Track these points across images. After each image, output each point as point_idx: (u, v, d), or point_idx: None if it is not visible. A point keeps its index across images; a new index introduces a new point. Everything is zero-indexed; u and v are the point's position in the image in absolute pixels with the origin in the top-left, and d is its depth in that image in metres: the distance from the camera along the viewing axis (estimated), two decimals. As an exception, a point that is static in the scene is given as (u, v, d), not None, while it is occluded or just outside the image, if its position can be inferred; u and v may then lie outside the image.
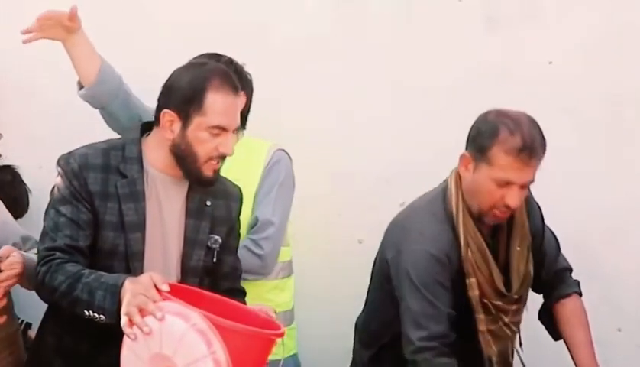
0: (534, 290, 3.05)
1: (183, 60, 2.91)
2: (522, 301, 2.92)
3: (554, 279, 3.02)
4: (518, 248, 2.89)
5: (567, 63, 3.59)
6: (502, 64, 3.60)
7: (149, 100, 3.40)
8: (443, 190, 2.89)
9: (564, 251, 3.08)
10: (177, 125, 2.60)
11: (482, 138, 2.75)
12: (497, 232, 2.88)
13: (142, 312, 2.27)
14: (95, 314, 2.45)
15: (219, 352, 2.19)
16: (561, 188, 3.53)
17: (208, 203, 2.72)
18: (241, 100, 2.79)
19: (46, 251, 2.59)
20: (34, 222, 3.35)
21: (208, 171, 2.63)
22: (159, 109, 2.65)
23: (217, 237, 2.73)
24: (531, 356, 3.06)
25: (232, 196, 2.81)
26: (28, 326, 3.15)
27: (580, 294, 3.03)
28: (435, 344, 2.74)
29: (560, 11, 3.59)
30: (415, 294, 2.77)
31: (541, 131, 2.76)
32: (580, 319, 2.98)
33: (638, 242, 3.63)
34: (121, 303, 2.35)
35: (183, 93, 2.59)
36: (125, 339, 2.29)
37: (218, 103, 2.58)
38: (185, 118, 2.59)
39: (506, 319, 2.88)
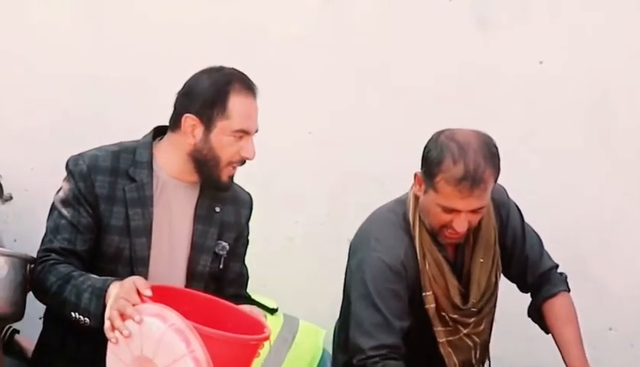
0: (521, 291, 3.05)
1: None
2: (482, 313, 2.92)
3: (539, 280, 3.01)
4: (482, 260, 2.88)
5: (558, 62, 3.59)
6: (493, 64, 3.59)
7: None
8: (403, 201, 2.90)
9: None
10: (199, 130, 2.62)
11: (429, 163, 2.73)
12: (462, 244, 2.88)
13: (123, 316, 2.28)
14: (81, 317, 2.47)
15: (198, 351, 2.19)
16: (553, 188, 3.53)
17: (217, 209, 2.74)
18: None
19: (43, 252, 2.63)
20: (26, 223, 3.39)
21: (225, 177, 2.65)
22: (177, 114, 2.66)
23: (224, 243, 2.75)
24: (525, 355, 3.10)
25: (242, 202, 2.83)
26: (16, 331, 3.16)
27: (568, 290, 3.02)
28: (385, 352, 2.72)
29: (550, 10, 3.59)
30: (365, 302, 2.76)
31: (493, 154, 2.72)
32: (569, 317, 2.97)
33: (630, 241, 3.63)
34: (105, 307, 2.36)
35: (205, 97, 2.61)
36: (109, 343, 2.31)
37: (241, 106, 2.62)
38: (209, 122, 2.61)
39: (465, 331, 2.89)
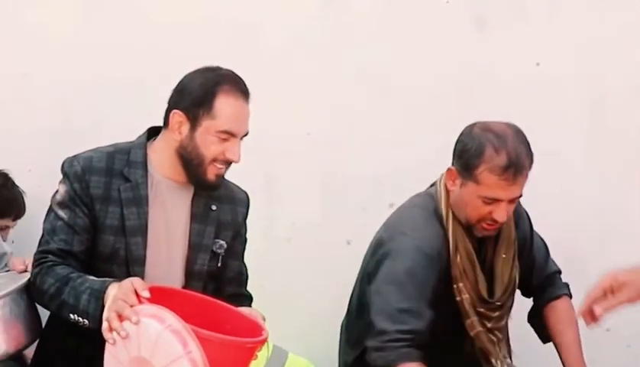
0: (524, 294, 3.07)
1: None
2: (504, 308, 2.93)
3: (544, 283, 3.04)
4: (504, 256, 2.90)
5: (555, 64, 3.59)
6: (490, 65, 3.59)
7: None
8: (433, 194, 2.89)
9: (555, 252, 3.11)
10: (186, 127, 2.63)
11: (468, 156, 2.74)
12: (485, 239, 2.89)
13: (120, 317, 2.28)
14: (80, 318, 2.48)
15: (195, 352, 2.20)
16: (549, 190, 3.53)
17: (214, 208, 2.74)
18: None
19: (40, 253, 2.63)
20: (24, 224, 3.40)
21: (211, 175, 2.65)
22: (169, 110, 2.67)
23: (222, 242, 2.75)
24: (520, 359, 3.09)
25: (239, 200, 2.83)
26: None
27: (570, 296, 3.05)
28: (411, 337, 2.68)
29: (548, 12, 3.59)
30: (397, 287, 2.72)
31: (527, 142, 2.75)
32: (570, 320, 2.99)
33: (629, 242, 3.62)
34: (104, 309, 2.37)
35: (194, 96, 2.61)
36: (107, 344, 2.32)
37: (228, 108, 2.61)
38: (194, 121, 2.61)
39: (489, 325, 2.89)
